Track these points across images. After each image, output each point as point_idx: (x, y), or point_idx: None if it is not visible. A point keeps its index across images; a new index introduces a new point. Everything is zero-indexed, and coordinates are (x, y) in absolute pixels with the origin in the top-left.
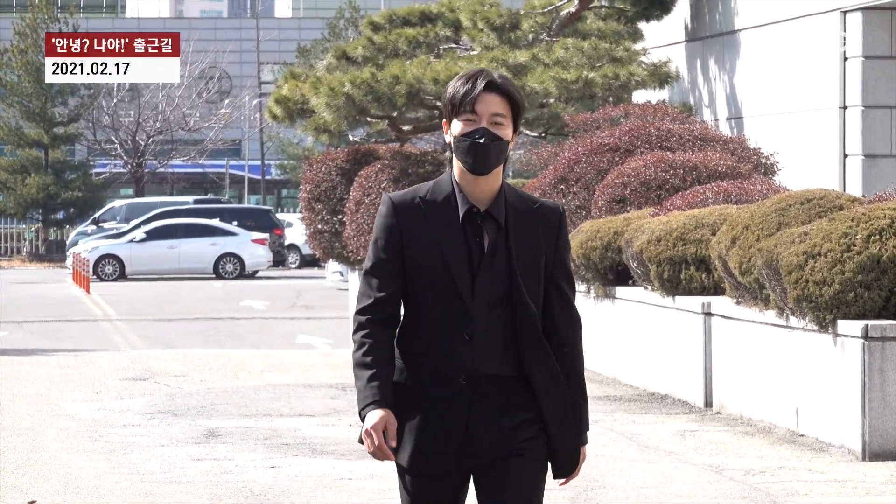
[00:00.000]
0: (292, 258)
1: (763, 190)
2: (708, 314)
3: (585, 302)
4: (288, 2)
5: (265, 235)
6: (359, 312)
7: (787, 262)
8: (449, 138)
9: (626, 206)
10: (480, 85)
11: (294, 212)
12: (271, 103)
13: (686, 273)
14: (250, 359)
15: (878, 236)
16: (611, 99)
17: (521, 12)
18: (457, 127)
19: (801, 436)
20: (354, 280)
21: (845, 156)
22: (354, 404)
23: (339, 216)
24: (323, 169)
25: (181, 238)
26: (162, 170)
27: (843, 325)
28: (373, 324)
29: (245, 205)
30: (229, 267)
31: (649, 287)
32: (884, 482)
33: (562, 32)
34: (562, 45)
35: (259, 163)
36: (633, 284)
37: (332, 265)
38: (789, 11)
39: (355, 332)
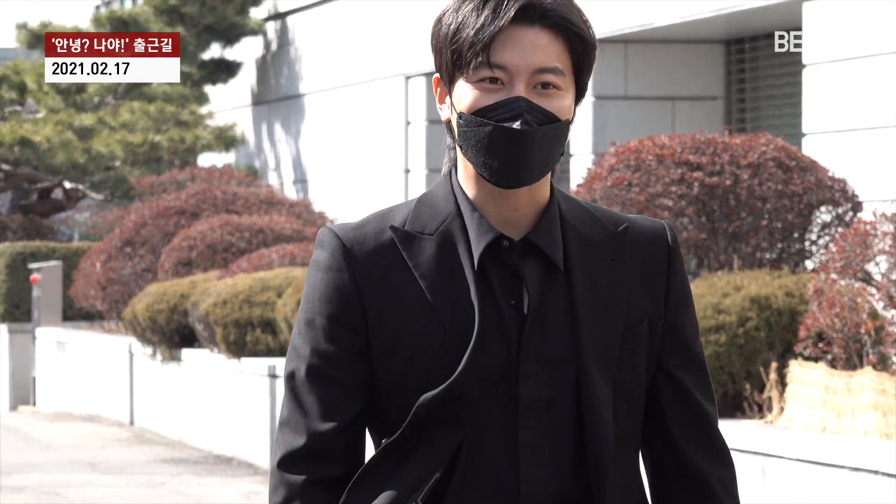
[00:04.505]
0: None
1: None
2: (273, 376)
3: (152, 364)
4: None
5: None
6: (281, 462)
7: None
8: (447, 114)
9: (192, 269)
10: (510, 12)
11: None
12: None
13: (252, 335)
14: None
15: None
16: (177, 162)
17: None
18: (465, 95)
19: None
20: None
21: None
22: None
23: None
24: None
25: None
26: None
27: None
28: (309, 492)
29: None
30: None
31: (216, 349)
32: None
33: (128, 95)
34: (128, 109)
35: None
36: (200, 347)
37: None
38: (354, 77)
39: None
